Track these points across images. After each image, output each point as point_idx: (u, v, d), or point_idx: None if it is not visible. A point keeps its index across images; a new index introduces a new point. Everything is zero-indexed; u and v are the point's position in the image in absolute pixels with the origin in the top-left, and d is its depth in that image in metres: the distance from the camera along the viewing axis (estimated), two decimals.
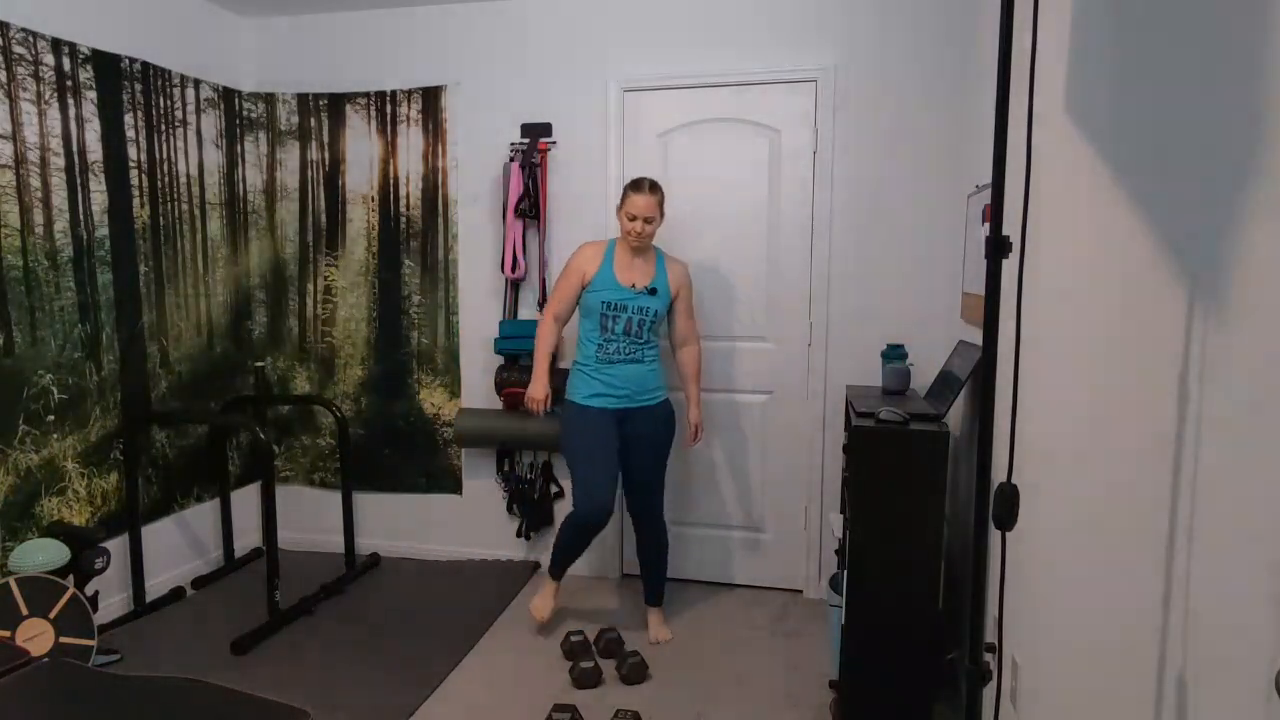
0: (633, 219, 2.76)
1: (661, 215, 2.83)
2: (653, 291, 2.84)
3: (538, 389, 2.91)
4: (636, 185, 2.78)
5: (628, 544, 3.57)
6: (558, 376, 3.39)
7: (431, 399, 3.69)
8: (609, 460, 2.81)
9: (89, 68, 2.89)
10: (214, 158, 3.53)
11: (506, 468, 3.61)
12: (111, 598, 3.05)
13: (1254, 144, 0.92)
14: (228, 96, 3.60)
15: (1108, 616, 1.35)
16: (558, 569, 2.98)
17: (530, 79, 3.44)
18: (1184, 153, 1.11)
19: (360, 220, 3.68)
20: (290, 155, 3.72)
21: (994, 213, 1.25)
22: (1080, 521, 1.49)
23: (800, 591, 3.41)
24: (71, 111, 2.84)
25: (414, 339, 3.68)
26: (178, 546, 3.40)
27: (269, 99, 3.70)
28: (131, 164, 3.09)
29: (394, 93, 3.57)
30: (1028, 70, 1.65)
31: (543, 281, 3.48)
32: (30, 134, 2.70)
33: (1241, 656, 0.92)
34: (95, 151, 2.94)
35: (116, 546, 3.05)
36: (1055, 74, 1.69)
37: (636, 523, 2.99)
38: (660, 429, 2.94)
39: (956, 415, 2.78)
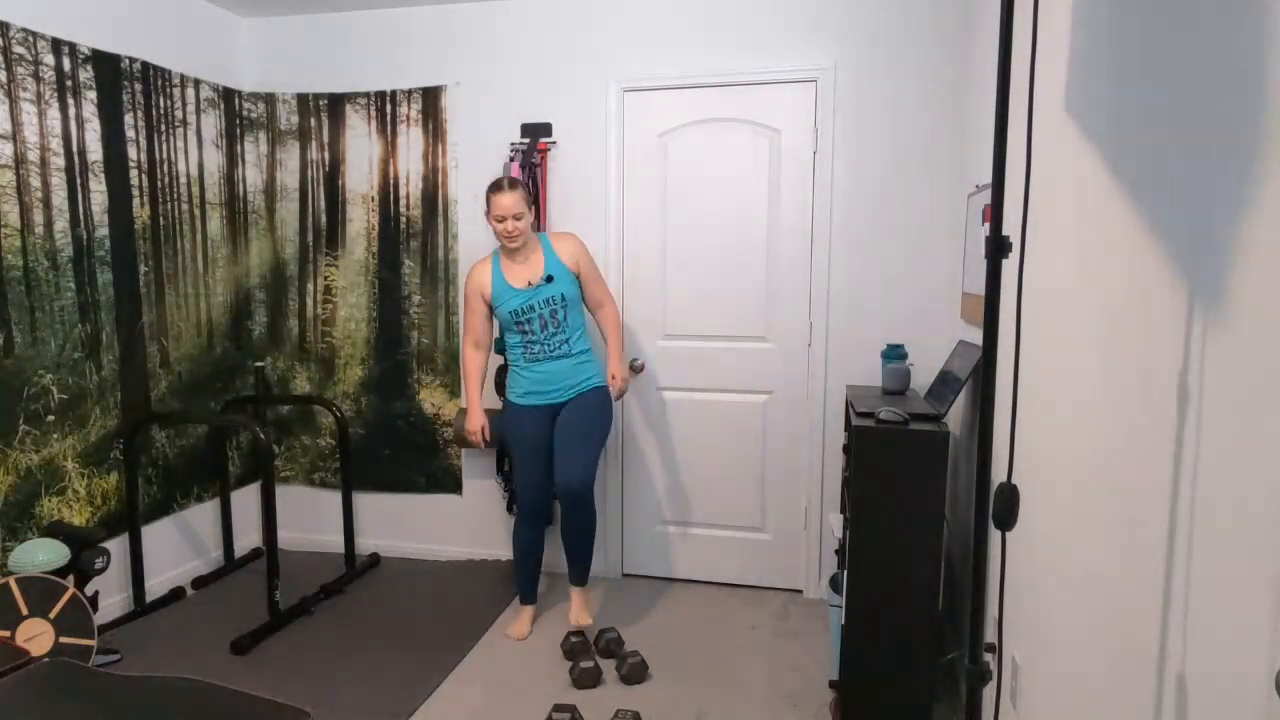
0: (501, 220, 2.74)
1: (531, 210, 2.80)
2: (549, 279, 2.81)
3: (474, 419, 2.91)
4: (496, 186, 2.76)
5: (628, 544, 3.57)
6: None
7: (431, 399, 3.69)
8: (541, 456, 2.89)
9: (89, 68, 2.89)
10: (214, 158, 3.53)
11: (506, 468, 3.61)
12: (111, 598, 3.05)
13: (1254, 143, 0.92)
14: (228, 96, 3.60)
15: (1108, 616, 1.35)
16: (525, 590, 3.03)
17: (530, 79, 3.44)
18: (1184, 152, 1.11)
19: (360, 220, 3.68)
20: (290, 155, 3.72)
21: (994, 213, 1.25)
22: (1080, 521, 1.49)
23: (800, 591, 3.41)
24: (71, 111, 2.84)
25: (414, 339, 3.68)
26: (178, 546, 3.40)
27: (269, 99, 3.70)
28: (131, 164, 3.09)
29: (394, 93, 3.57)
30: (1028, 70, 1.65)
31: None
32: (30, 134, 2.70)
33: (1241, 656, 0.92)
34: (95, 151, 2.94)
35: (116, 546, 3.05)
36: (1055, 74, 1.69)
37: (560, 501, 2.89)
38: (588, 407, 2.89)
39: (956, 415, 2.78)
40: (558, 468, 2.86)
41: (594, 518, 2.97)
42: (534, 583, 3.05)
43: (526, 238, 2.81)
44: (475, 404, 2.93)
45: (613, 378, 2.94)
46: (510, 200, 2.73)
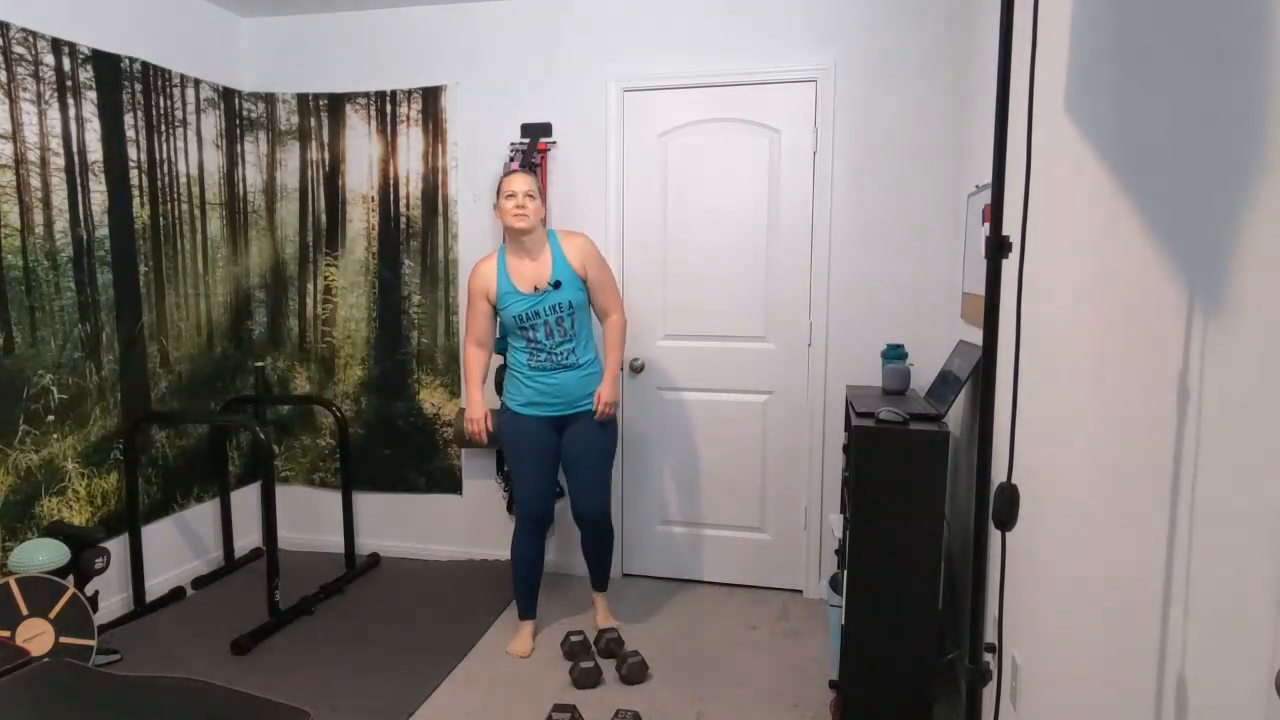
0: (511, 196, 2.63)
1: (542, 200, 2.75)
2: (557, 285, 2.68)
3: (474, 408, 2.77)
4: (508, 170, 2.71)
5: (628, 544, 3.57)
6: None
7: (431, 399, 3.69)
8: (543, 467, 2.79)
9: (89, 68, 2.89)
10: (214, 158, 3.53)
11: (506, 468, 3.61)
12: (111, 598, 3.05)
13: (1254, 143, 0.92)
14: (228, 96, 3.60)
15: (1108, 616, 1.35)
16: (524, 604, 2.90)
17: (530, 79, 3.44)
18: (1184, 152, 1.11)
19: (360, 220, 3.68)
20: (290, 155, 3.72)
21: (994, 213, 1.25)
22: (1080, 521, 1.49)
23: (800, 591, 3.41)
24: (71, 111, 2.84)
25: (414, 339, 3.68)
26: (178, 546, 3.40)
27: (269, 99, 3.70)
28: (131, 164, 3.09)
29: (394, 93, 3.57)
30: (1028, 70, 1.65)
31: None
32: (30, 134, 2.70)
33: (1241, 656, 0.92)
34: (95, 151, 2.94)
35: (116, 546, 3.05)
36: (1055, 74, 1.69)
37: (580, 525, 2.90)
38: (596, 434, 2.81)
39: (956, 415, 2.78)
40: (577, 496, 2.83)
41: (613, 532, 2.98)
42: (534, 597, 2.92)
43: (535, 224, 2.67)
44: (476, 398, 2.78)
45: (598, 398, 2.77)
46: (521, 179, 2.66)
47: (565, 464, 2.85)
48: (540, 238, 2.74)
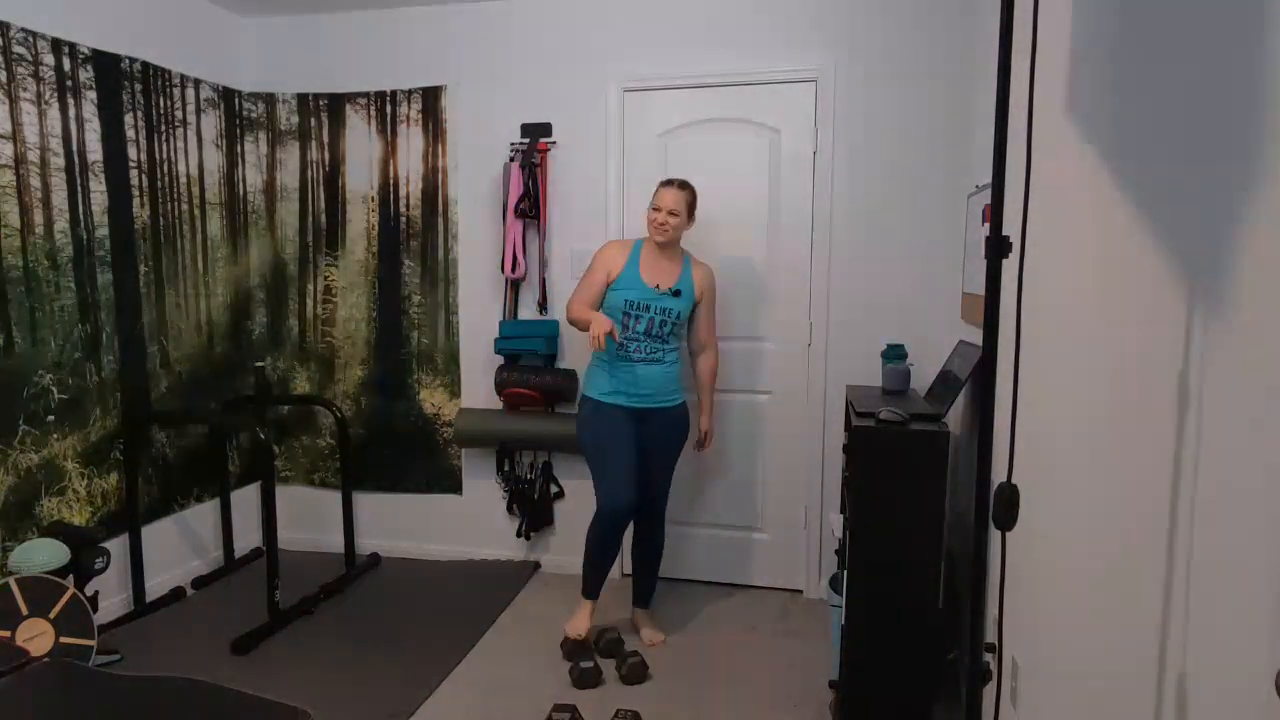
0: (658, 210, 2.75)
1: (691, 217, 2.81)
2: (676, 293, 2.80)
3: (599, 325, 2.59)
4: (667, 182, 2.80)
5: (627, 543, 3.57)
6: (562, 377, 3.39)
7: (431, 399, 3.69)
8: (629, 456, 2.77)
9: (89, 68, 2.89)
10: (214, 158, 3.53)
11: (506, 468, 3.61)
12: (111, 598, 3.05)
13: (1255, 143, 0.92)
14: (228, 96, 3.60)
15: (1108, 616, 1.35)
16: (591, 585, 2.86)
17: (530, 79, 3.44)
18: (1184, 152, 1.11)
19: (360, 220, 3.68)
20: (290, 155, 3.72)
21: (994, 213, 1.25)
22: (1081, 521, 1.49)
23: (800, 591, 3.41)
24: (71, 111, 2.84)
25: (414, 339, 3.67)
26: (178, 546, 3.40)
27: (269, 99, 3.70)
28: (131, 164, 3.09)
29: (394, 93, 3.57)
30: (1028, 70, 1.65)
31: (543, 281, 3.48)
32: (30, 134, 2.70)
33: (1241, 656, 0.92)
34: (95, 151, 2.94)
35: (116, 546, 3.05)
36: (1055, 74, 1.69)
37: (638, 523, 2.96)
38: (674, 433, 2.92)
39: (956, 415, 2.78)
40: (645, 497, 2.88)
41: (664, 539, 3.06)
42: (602, 580, 2.89)
43: (673, 239, 2.78)
44: (594, 316, 2.63)
45: (705, 434, 3.00)
46: (673, 197, 2.75)
47: (643, 459, 2.84)
48: (676, 251, 2.86)
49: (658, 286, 2.78)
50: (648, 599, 3.05)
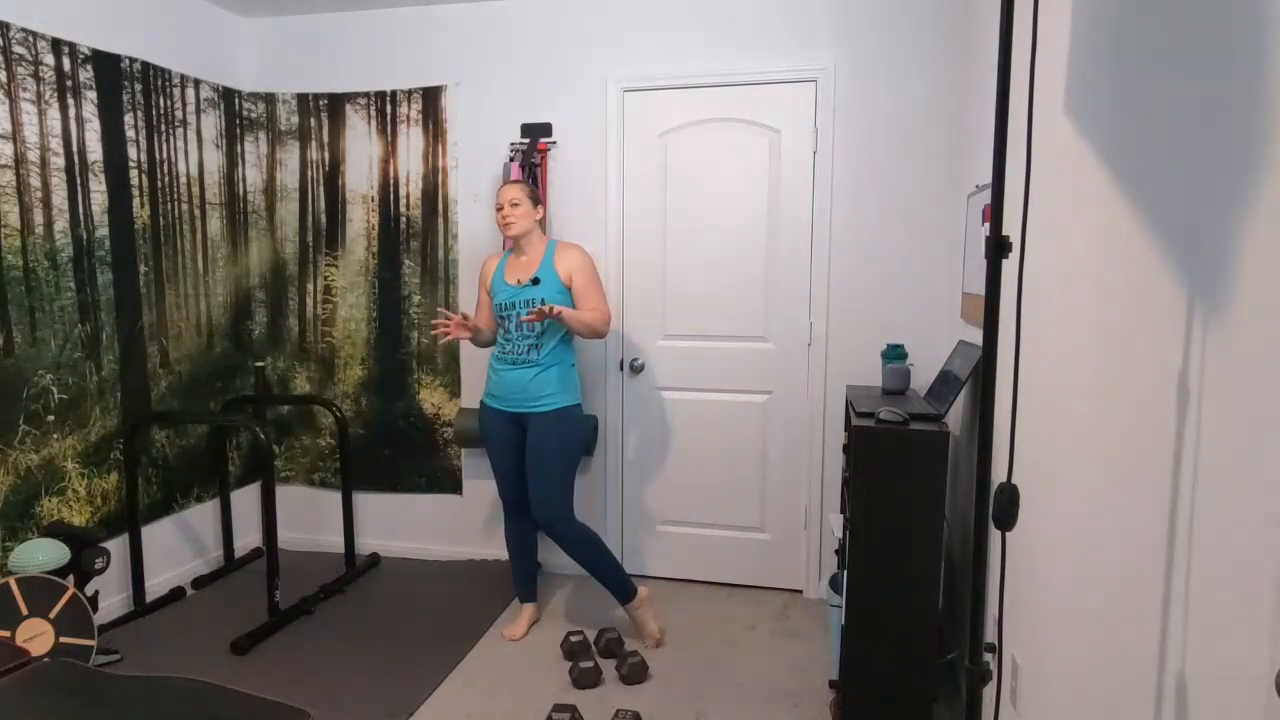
0: (499, 208, 2.80)
1: (534, 203, 2.83)
2: (536, 281, 2.79)
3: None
4: (504, 182, 2.88)
5: (628, 544, 3.57)
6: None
7: (431, 399, 3.69)
8: (502, 459, 2.91)
9: (89, 68, 2.89)
10: (214, 158, 3.53)
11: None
12: (111, 598, 3.05)
13: (1254, 143, 0.92)
14: (228, 96, 3.60)
15: (1108, 616, 1.35)
16: (519, 587, 3.06)
17: (530, 78, 3.44)
18: (1184, 152, 1.11)
19: (360, 220, 3.68)
20: (290, 155, 3.72)
21: (994, 213, 1.25)
22: (1080, 521, 1.49)
23: (800, 591, 3.41)
24: (71, 111, 2.84)
25: (414, 339, 3.68)
26: (178, 546, 3.40)
27: (269, 99, 3.70)
28: (131, 164, 3.09)
29: (394, 93, 3.57)
30: (1028, 70, 1.65)
31: None
32: (30, 134, 2.70)
33: (1241, 656, 0.92)
34: (95, 151, 2.94)
35: (116, 546, 3.05)
36: (1055, 74, 1.69)
37: (541, 527, 2.86)
38: (547, 440, 2.78)
39: (956, 415, 2.78)
40: (534, 508, 2.82)
41: (583, 540, 2.82)
42: (528, 580, 3.07)
43: (524, 228, 2.80)
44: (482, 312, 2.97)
45: (544, 304, 2.72)
46: (509, 191, 2.81)
47: (525, 469, 2.87)
48: (535, 241, 2.87)
49: (518, 282, 2.82)
50: (618, 596, 2.91)
